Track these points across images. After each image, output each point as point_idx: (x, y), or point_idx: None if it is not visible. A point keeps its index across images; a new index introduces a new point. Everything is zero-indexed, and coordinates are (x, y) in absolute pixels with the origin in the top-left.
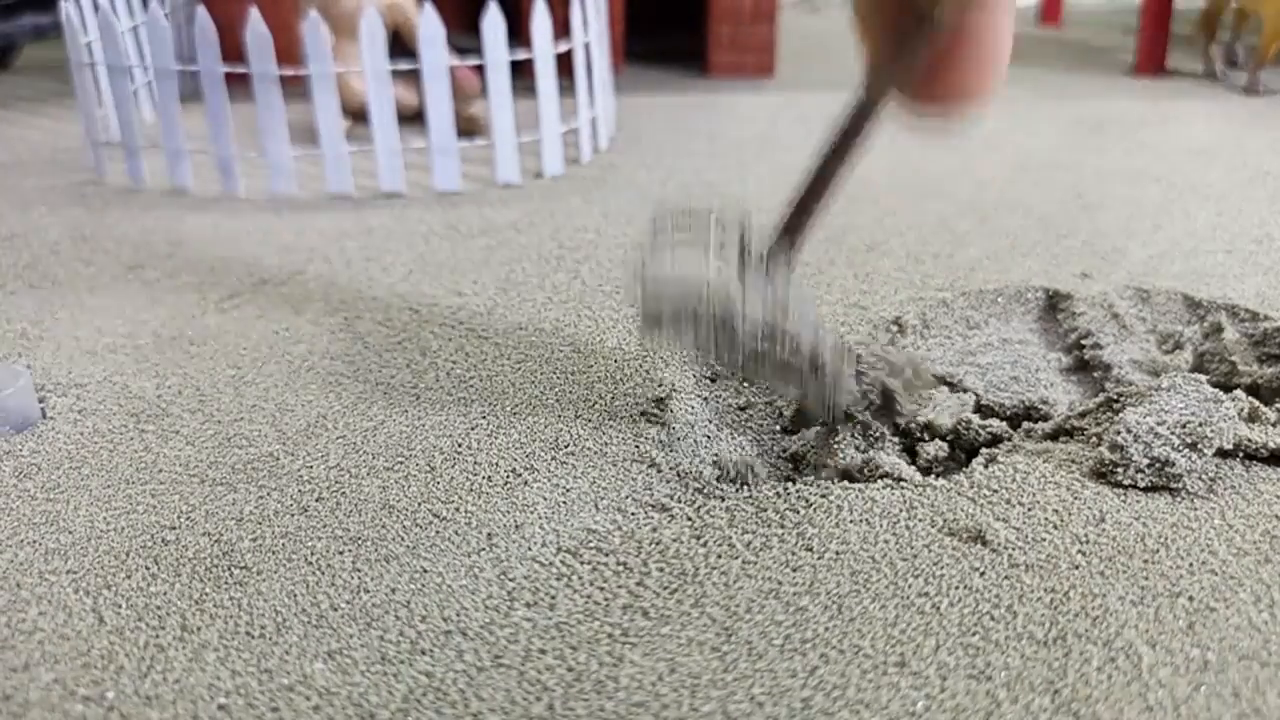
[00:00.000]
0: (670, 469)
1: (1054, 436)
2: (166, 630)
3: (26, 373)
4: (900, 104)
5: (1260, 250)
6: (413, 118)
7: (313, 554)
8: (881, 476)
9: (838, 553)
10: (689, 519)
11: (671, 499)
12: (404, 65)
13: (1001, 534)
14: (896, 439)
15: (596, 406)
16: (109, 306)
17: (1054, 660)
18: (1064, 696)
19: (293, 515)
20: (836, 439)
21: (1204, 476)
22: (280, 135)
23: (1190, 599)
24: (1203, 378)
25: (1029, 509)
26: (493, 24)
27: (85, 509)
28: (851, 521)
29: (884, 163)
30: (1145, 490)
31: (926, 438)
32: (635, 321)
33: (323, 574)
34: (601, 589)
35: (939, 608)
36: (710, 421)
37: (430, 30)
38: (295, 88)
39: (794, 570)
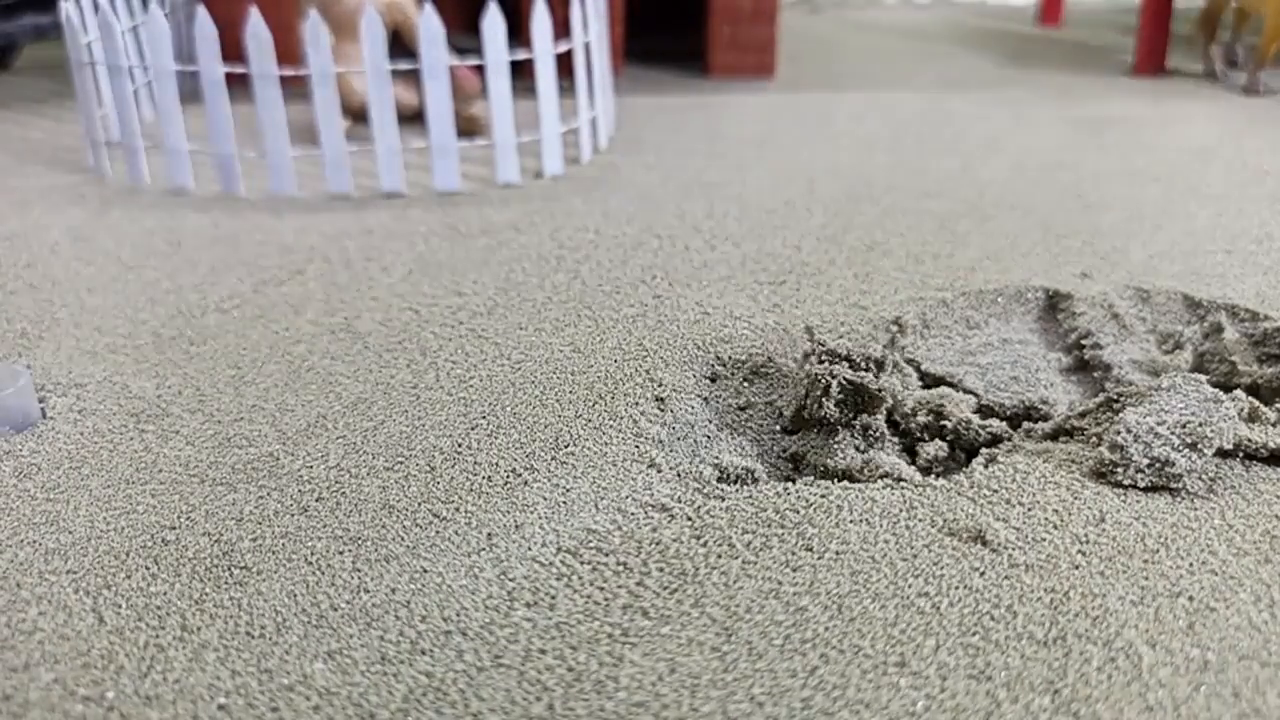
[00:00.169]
0: (670, 469)
1: (1054, 436)
2: (166, 630)
3: (26, 373)
4: None
5: (1260, 250)
6: (413, 118)
7: (313, 554)
8: (881, 476)
9: (838, 553)
10: (689, 519)
11: (671, 499)
12: (404, 65)
13: (1001, 534)
14: (896, 439)
15: (596, 406)
16: (109, 306)
17: (1054, 660)
18: (1064, 696)
19: (293, 515)
20: (836, 439)
21: (1204, 476)
22: (280, 135)
23: (1190, 599)
24: (1203, 378)
25: (1029, 509)
26: (493, 24)
27: (85, 509)
28: (851, 521)
29: (884, 162)
30: (1145, 490)
31: (927, 437)
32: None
33: (323, 574)
34: (601, 589)
35: (939, 608)
36: (710, 421)
37: (430, 30)
38: (295, 88)
39: (794, 570)
